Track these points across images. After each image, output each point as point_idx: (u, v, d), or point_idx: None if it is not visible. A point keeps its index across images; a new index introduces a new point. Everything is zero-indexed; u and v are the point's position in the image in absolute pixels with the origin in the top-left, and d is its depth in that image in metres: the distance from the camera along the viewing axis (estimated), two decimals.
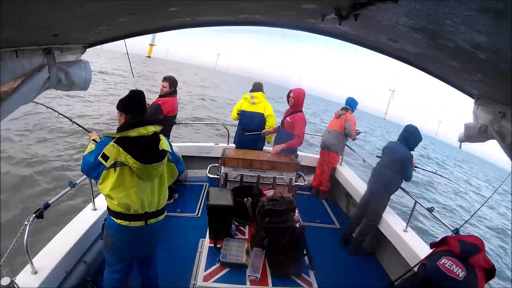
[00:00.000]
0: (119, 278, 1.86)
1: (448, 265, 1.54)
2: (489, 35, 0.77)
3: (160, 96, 3.33)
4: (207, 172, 2.94)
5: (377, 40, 1.47)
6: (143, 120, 1.74)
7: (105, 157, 1.61)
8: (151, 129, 1.73)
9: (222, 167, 2.82)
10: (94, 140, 1.94)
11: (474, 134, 1.54)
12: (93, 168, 1.65)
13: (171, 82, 3.30)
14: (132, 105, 1.77)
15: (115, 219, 1.71)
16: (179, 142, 4.71)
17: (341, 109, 4.29)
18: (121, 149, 1.61)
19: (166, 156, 1.79)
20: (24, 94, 1.00)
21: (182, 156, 4.23)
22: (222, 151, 3.00)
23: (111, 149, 1.61)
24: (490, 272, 1.57)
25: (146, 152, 1.67)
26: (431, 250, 1.81)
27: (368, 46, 1.66)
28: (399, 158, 2.92)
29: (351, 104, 4.29)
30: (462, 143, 1.75)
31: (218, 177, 2.90)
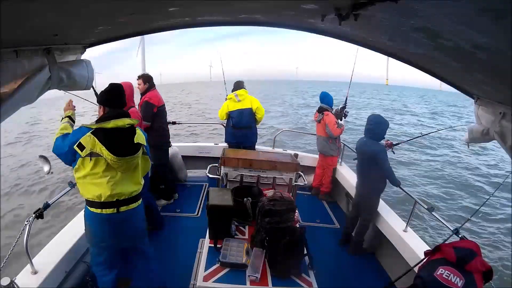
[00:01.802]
0: (104, 269, 1.91)
1: (446, 275, 1.50)
2: (489, 35, 0.77)
3: (142, 94, 3.40)
4: (207, 172, 2.94)
5: (377, 40, 1.47)
6: (120, 112, 1.79)
7: (81, 147, 1.66)
8: (127, 121, 1.77)
9: (222, 167, 2.82)
10: (69, 117, 1.96)
11: (477, 137, 1.55)
12: (67, 155, 1.70)
13: (144, 78, 3.40)
14: (111, 98, 1.83)
15: (89, 208, 1.78)
16: (179, 142, 4.70)
17: (318, 111, 4.12)
18: (97, 140, 1.66)
19: (141, 149, 1.84)
20: (25, 95, 1.00)
21: (182, 156, 4.26)
22: (222, 151, 3.00)
23: (87, 139, 1.66)
24: (488, 274, 1.54)
25: (121, 144, 1.72)
26: (424, 258, 1.79)
27: (368, 46, 1.66)
28: (370, 154, 2.89)
29: (325, 100, 4.09)
30: (469, 144, 1.76)
31: (218, 177, 2.90)
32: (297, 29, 1.78)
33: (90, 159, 1.68)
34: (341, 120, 4.08)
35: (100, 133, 1.68)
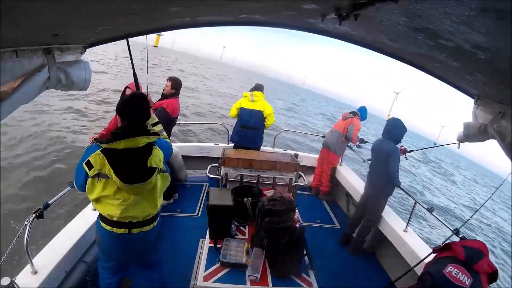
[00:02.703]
0: (108, 274, 1.86)
1: (455, 273, 1.52)
2: (489, 35, 0.77)
3: (162, 95, 3.33)
4: (207, 172, 2.94)
5: (377, 40, 1.47)
6: (136, 129, 1.60)
7: (89, 166, 1.52)
8: (142, 141, 1.59)
9: (222, 167, 2.82)
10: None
11: (473, 134, 1.53)
12: (79, 175, 1.59)
13: (174, 83, 3.28)
14: (130, 110, 1.63)
15: (101, 222, 1.70)
16: (179, 142, 4.71)
17: (350, 112, 4.28)
18: (106, 161, 1.51)
19: (156, 172, 1.61)
20: (24, 94, 1.00)
21: (182, 156, 4.26)
22: (222, 151, 3.00)
23: (96, 158, 1.51)
24: (493, 275, 1.56)
25: (131, 170, 1.54)
26: (433, 255, 1.80)
27: (368, 46, 1.66)
28: (384, 152, 2.93)
29: (362, 112, 4.28)
30: (461, 143, 1.76)
31: (218, 177, 2.90)
32: (297, 29, 1.78)
33: (98, 179, 1.55)
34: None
35: (110, 153, 1.52)
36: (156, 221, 1.81)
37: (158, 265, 2.04)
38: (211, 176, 2.92)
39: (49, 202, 1.98)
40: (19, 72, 0.98)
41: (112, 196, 1.59)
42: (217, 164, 3.00)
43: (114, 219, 1.64)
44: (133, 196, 1.61)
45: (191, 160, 4.47)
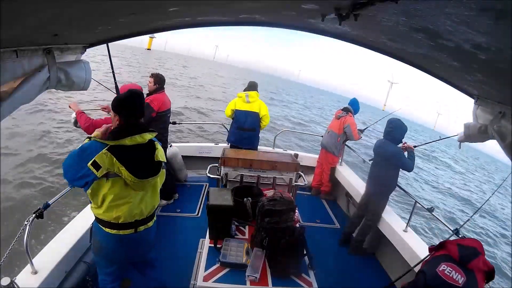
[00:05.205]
0: (111, 280, 1.82)
1: (448, 272, 1.52)
2: (489, 35, 0.77)
3: (148, 93, 3.37)
4: (207, 172, 2.94)
5: (377, 40, 1.47)
6: (140, 126, 1.63)
7: (97, 166, 1.45)
8: (147, 136, 1.62)
9: (222, 167, 2.82)
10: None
11: (473, 134, 1.54)
12: (81, 178, 1.49)
13: (156, 79, 3.34)
14: (130, 107, 1.62)
15: (103, 228, 1.63)
16: (179, 142, 4.71)
17: (342, 109, 4.25)
18: (114, 158, 1.47)
19: (162, 165, 1.70)
20: (24, 94, 1.00)
21: (182, 156, 4.26)
22: (222, 151, 3.00)
23: (103, 157, 1.46)
24: (490, 273, 1.55)
25: (142, 164, 1.57)
26: (429, 254, 1.80)
27: (368, 46, 1.66)
28: (388, 155, 2.94)
29: (354, 106, 4.23)
30: (461, 143, 1.76)
31: (218, 177, 2.90)
32: (297, 29, 1.78)
33: (107, 179, 1.50)
34: None
35: (117, 151, 1.49)
36: (155, 216, 1.84)
37: (155, 265, 2.04)
38: (211, 176, 2.92)
39: (49, 202, 1.98)
40: (19, 72, 0.98)
41: (118, 195, 1.56)
42: (217, 164, 3.00)
43: (121, 220, 1.60)
44: (140, 191, 1.61)
45: (191, 160, 4.47)
